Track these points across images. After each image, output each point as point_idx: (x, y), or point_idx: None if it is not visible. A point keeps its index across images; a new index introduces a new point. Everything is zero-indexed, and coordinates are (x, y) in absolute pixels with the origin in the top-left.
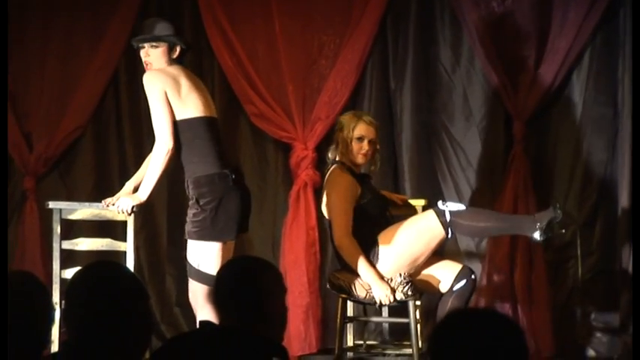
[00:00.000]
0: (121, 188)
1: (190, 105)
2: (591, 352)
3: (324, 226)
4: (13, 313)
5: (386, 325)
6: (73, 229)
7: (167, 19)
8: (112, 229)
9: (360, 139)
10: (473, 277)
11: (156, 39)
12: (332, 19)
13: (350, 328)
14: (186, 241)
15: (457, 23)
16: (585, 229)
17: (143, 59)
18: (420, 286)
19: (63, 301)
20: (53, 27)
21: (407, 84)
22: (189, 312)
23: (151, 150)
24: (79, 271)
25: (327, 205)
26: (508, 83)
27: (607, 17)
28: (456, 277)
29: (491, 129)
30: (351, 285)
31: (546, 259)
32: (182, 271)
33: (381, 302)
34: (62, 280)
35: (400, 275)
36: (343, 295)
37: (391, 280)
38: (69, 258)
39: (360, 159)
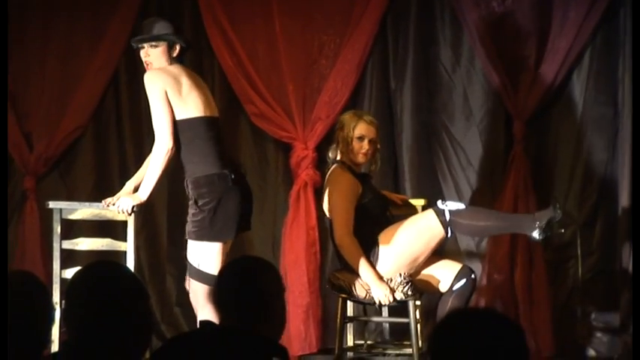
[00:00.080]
0: (121, 188)
1: (191, 104)
2: (591, 352)
3: (324, 226)
4: (14, 312)
5: (386, 325)
6: (73, 229)
7: (166, 18)
8: (112, 229)
9: (361, 138)
10: (473, 276)
11: (155, 38)
12: (332, 19)
13: (350, 328)
14: (186, 240)
15: (457, 23)
16: (585, 228)
17: (143, 59)
18: (419, 286)
19: (63, 301)
20: (53, 27)
21: (407, 84)
22: (189, 312)
23: (151, 150)
24: (79, 270)
25: (329, 204)
26: (508, 83)
27: (607, 17)
28: (456, 276)
29: (492, 129)
30: (351, 285)
31: (546, 259)
32: (182, 271)
33: (380, 302)
34: (62, 280)
35: (400, 275)
36: (343, 295)
37: (390, 280)
38: (69, 258)
39: (360, 158)
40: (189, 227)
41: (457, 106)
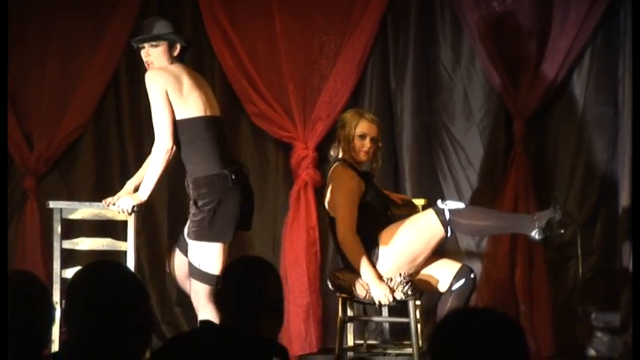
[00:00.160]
0: (121, 188)
1: (192, 104)
2: (592, 352)
3: (324, 226)
4: (14, 312)
5: (386, 325)
6: (73, 229)
7: (166, 17)
8: (112, 228)
9: (362, 136)
10: (472, 276)
11: (155, 38)
12: (332, 19)
13: (350, 328)
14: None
15: (458, 23)
16: (586, 228)
17: (144, 59)
18: (419, 286)
19: (63, 301)
20: (53, 27)
21: (407, 84)
22: (189, 312)
23: (151, 150)
24: (80, 270)
25: (331, 201)
26: (508, 83)
27: (607, 17)
28: (455, 276)
29: (492, 128)
30: (352, 285)
31: (547, 259)
32: None
33: (380, 302)
34: (62, 280)
35: (400, 275)
36: (344, 295)
37: (390, 280)
38: (69, 258)
39: (362, 156)
40: (189, 227)
41: (457, 105)
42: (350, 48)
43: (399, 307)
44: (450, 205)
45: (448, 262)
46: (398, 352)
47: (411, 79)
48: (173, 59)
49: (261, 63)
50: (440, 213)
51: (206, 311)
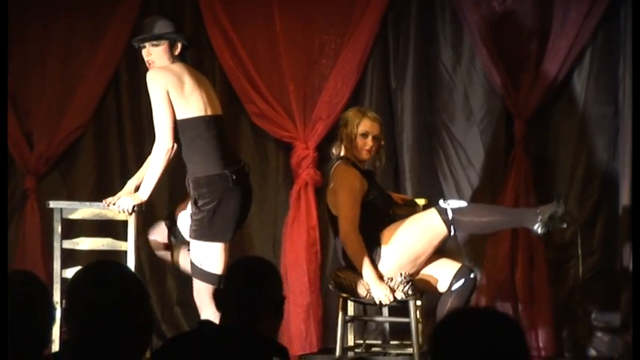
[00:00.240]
0: (121, 188)
1: (193, 104)
2: (592, 352)
3: (325, 226)
4: (14, 312)
5: (386, 325)
6: (73, 229)
7: (167, 16)
8: (112, 228)
9: (365, 135)
10: (472, 275)
11: (156, 37)
12: (333, 19)
13: (351, 328)
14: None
15: (458, 22)
16: (586, 228)
17: (145, 58)
18: (419, 285)
19: (64, 301)
20: (54, 27)
21: (408, 83)
22: (190, 311)
23: (151, 149)
24: (80, 270)
25: (334, 200)
26: (509, 82)
27: (608, 16)
28: (455, 276)
29: (492, 128)
30: (353, 284)
31: (547, 259)
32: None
33: (380, 302)
34: (63, 280)
35: (400, 275)
36: (344, 295)
37: (391, 279)
38: (70, 257)
39: (364, 155)
40: (190, 226)
41: (458, 105)
42: (350, 48)
43: (399, 307)
44: (452, 204)
45: (448, 261)
46: (398, 352)
47: (411, 78)
48: (174, 58)
49: (262, 63)
50: (442, 212)
51: (209, 310)
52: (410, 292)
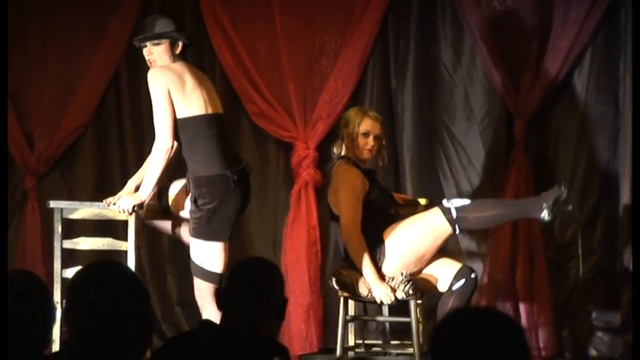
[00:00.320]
0: (122, 187)
1: (194, 102)
2: (592, 352)
3: (325, 226)
4: (14, 312)
5: (387, 325)
6: (74, 229)
7: (167, 15)
8: (113, 228)
9: (366, 134)
10: (473, 275)
11: (157, 36)
12: (333, 19)
13: (351, 328)
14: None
15: (458, 22)
16: (586, 228)
17: (146, 57)
18: (420, 285)
19: (64, 301)
20: (54, 26)
21: (408, 83)
22: (190, 311)
23: (151, 149)
24: (80, 270)
25: (336, 199)
26: (509, 82)
27: (608, 16)
28: (455, 275)
29: (493, 128)
30: (355, 282)
31: (547, 258)
32: (183, 270)
33: (381, 301)
34: (63, 280)
35: (402, 274)
36: (345, 294)
37: (392, 279)
38: (70, 257)
39: (365, 154)
40: (190, 224)
41: (458, 105)
42: (351, 48)
43: (399, 307)
44: (455, 202)
45: (449, 261)
46: (399, 351)
47: (411, 78)
48: (175, 57)
49: (262, 62)
50: (446, 212)
51: (210, 310)
52: (411, 292)
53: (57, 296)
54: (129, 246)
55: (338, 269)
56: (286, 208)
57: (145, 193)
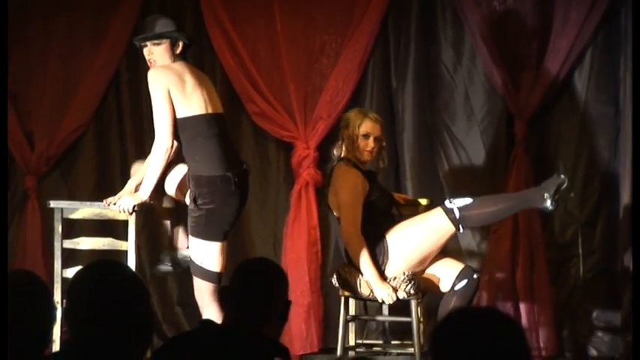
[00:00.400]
0: (122, 187)
1: (194, 102)
2: (593, 351)
3: (325, 226)
4: (15, 312)
5: (387, 324)
6: (74, 229)
7: (168, 15)
8: (113, 228)
9: (366, 136)
10: (475, 276)
11: (158, 36)
12: (333, 19)
13: (352, 327)
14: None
15: (459, 22)
16: (587, 227)
17: (146, 57)
18: (422, 285)
19: (64, 300)
20: (55, 26)
21: (408, 83)
22: (190, 311)
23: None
24: (81, 270)
25: (336, 201)
26: (510, 82)
27: (608, 17)
28: (458, 276)
29: (493, 128)
30: (357, 282)
31: (548, 258)
32: (184, 270)
33: (383, 301)
34: (63, 280)
35: (403, 274)
36: (346, 293)
37: (394, 278)
38: (70, 257)
39: (365, 156)
40: (188, 221)
41: (458, 105)
42: (351, 47)
43: (400, 307)
44: (457, 202)
45: (451, 261)
46: (399, 351)
47: (412, 78)
48: (175, 57)
49: (262, 62)
50: (449, 212)
51: (210, 309)
52: (412, 292)
53: (57, 296)
54: (129, 246)
55: (339, 267)
56: (287, 207)
57: (146, 193)
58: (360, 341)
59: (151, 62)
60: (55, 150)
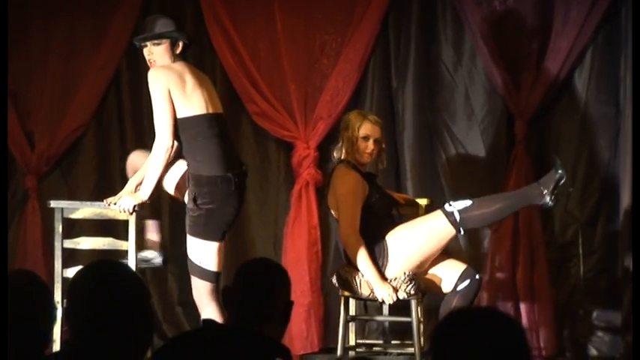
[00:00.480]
0: (122, 187)
1: (195, 102)
2: (593, 351)
3: (326, 225)
4: (15, 312)
5: (387, 324)
6: (74, 228)
7: (168, 14)
8: (113, 228)
9: (366, 138)
10: (477, 277)
11: (158, 36)
12: (334, 18)
13: (352, 327)
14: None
15: (459, 22)
16: (587, 227)
17: (146, 57)
18: (423, 285)
19: (65, 300)
20: (55, 26)
21: (409, 83)
22: (191, 311)
23: (152, 148)
24: (81, 270)
25: (335, 203)
26: (510, 82)
27: (609, 16)
28: (460, 276)
29: (493, 128)
30: (357, 282)
31: (548, 258)
32: (184, 270)
33: (383, 301)
34: (64, 279)
35: (404, 274)
36: (346, 293)
37: (394, 278)
38: (70, 257)
39: (365, 158)
40: (187, 220)
41: (459, 105)
42: (351, 47)
43: (400, 307)
44: (457, 205)
45: (454, 262)
46: (399, 351)
47: (412, 78)
48: (175, 57)
49: (263, 62)
50: (449, 215)
51: (208, 309)
52: (412, 292)
53: (57, 296)
54: (129, 246)
55: (339, 268)
56: (287, 207)
57: (146, 193)
58: (361, 341)
59: (151, 62)
60: (56, 150)
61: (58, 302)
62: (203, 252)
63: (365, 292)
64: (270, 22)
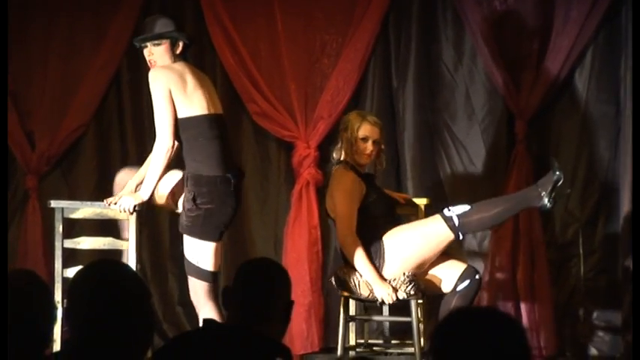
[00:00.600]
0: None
1: (196, 102)
2: (593, 351)
3: (326, 225)
4: (15, 311)
5: (387, 324)
6: (75, 228)
7: (168, 14)
8: (113, 228)
9: (365, 139)
10: (477, 277)
11: (158, 37)
12: (334, 18)
13: (352, 327)
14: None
15: (459, 22)
16: (587, 227)
17: (147, 58)
18: (423, 286)
19: (65, 300)
20: (55, 26)
21: (409, 82)
22: (191, 311)
23: (152, 148)
24: (81, 269)
25: (332, 203)
26: (510, 82)
27: (609, 16)
28: (460, 276)
29: (494, 128)
30: (356, 282)
31: (549, 258)
32: (184, 270)
33: (383, 301)
34: (64, 279)
35: (403, 274)
36: (345, 293)
37: (394, 279)
38: (71, 257)
39: (364, 159)
40: (182, 219)
41: (459, 104)
42: (352, 47)
43: (400, 306)
44: (456, 210)
45: (454, 262)
46: (399, 351)
47: (412, 78)
48: (176, 57)
49: (263, 62)
50: (448, 220)
51: (206, 309)
52: (412, 292)
53: (58, 296)
54: (130, 245)
55: (338, 269)
56: (287, 207)
57: (146, 193)
58: (361, 341)
59: (151, 63)
60: (56, 150)
61: (58, 302)
62: (201, 252)
63: (364, 292)
64: (271, 22)
